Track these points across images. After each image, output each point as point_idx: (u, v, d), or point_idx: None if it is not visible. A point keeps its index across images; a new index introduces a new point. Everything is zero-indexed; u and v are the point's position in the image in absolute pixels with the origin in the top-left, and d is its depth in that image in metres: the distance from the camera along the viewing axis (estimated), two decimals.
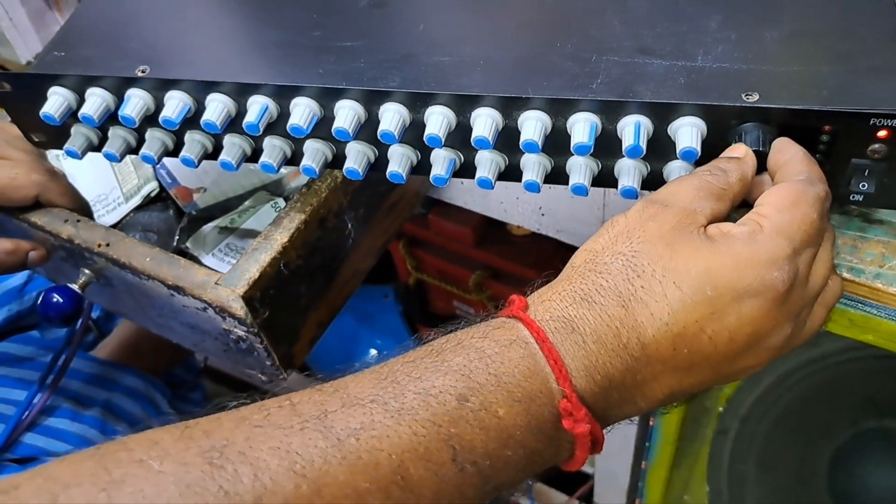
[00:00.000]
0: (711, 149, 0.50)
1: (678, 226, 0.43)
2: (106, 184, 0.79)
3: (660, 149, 0.51)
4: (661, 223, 0.43)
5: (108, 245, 0.63)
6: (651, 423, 0.84)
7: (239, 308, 0.58)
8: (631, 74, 0.50)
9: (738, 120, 0.48)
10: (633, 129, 0.49)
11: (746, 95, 0.48)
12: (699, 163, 0.49)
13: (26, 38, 0.89)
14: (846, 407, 0.87)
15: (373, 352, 1.74)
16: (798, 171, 0.46)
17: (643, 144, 0.48)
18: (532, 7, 0.58)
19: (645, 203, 0.45)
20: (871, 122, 0.46)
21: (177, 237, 0.73)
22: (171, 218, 0.77)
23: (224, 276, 0.59)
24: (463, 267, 1.20)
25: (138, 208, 0.78)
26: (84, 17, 0.63)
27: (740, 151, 0.48)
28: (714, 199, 0.45)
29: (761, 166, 0.48)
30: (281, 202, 0.75)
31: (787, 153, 0.47)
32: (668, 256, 0.42)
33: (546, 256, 1.14)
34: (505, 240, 1.15)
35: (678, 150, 0.48)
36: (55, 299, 0.66)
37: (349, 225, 0.68)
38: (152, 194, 0.78)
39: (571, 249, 0.46)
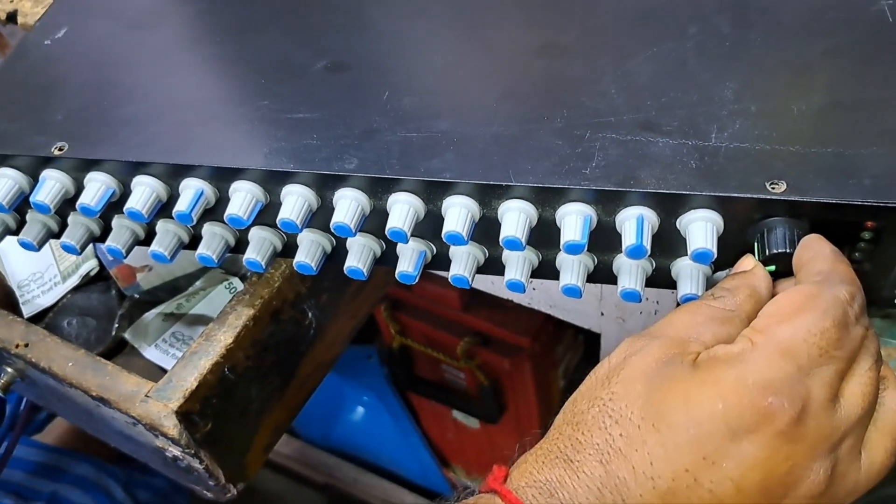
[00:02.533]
0: (730, 248, 0.41)
1: (662, 358, 0.36)
2: (42, 261, 0.70)
3: (667, 243, 0.43)
4: (644, 357, 0.36)
5: (26, 345, 0.55)
6: None
7: (172, 427, 0.49)
8: (632, 156, 0.42)
9: (761, 214, 0.40)
10: (634, 224, 0.40)
11: (771, 185, 0.39)
12: (716, 263, 0.40)
13: None
14: None
15: (360, 409, 1.65)
16: (817, 272, 0.38)
17: (647, 244, 0.40)
18: (517, 72, 0.49)
19: (635, 337, 0.39)
20: None
21: (115, 325, 0.65)
22: (113, 300, 0.68)
23: (156, 386, 0.50)
24: (450, 332, 1.11)
25: (77, 289, 0.69)
26: (3, 82, 0.54)
27: (748, 264, 0.40)
28: (717, 323, 0.37)
29: (789, 269, 0.40)
30: (237, 283, 0.67)
31: (811, 250, 0.39)
32: (647, 395, 0.35)
33: (538, 323, 1.05)
34: (494, 304, 1.06)
35: (689, 250, 0.40)
36: None
37: (309, 314, 0.59)
38: (92, 273, 0.69)
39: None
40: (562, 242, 0.41)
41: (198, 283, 0.67)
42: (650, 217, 0.41)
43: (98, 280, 0.70)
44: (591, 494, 0.34)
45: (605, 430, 0.35)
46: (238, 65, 0.53)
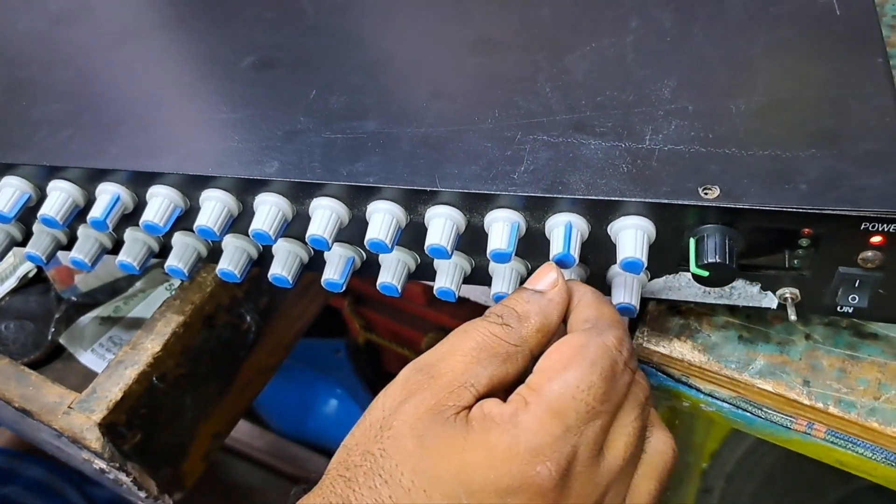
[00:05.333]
0: (663, 255, 0.40)
1: (434, 410, 0.35)
2: None
3: (600, 250, 0.41)
4: (416, 406, 0.35)
5: None
6: None
7: (94, 440, 0.47)
8: (562, 159, 0.40)
9: (694, 220, 0.38)
10: (562, 232, 0.38)
11: (704, 190, 0.38)
12: (651, 270, 0.39)
13: None
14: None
15: (332, 402, 1.64)
16: (584, 319, 0.38)
17: (575, 253, 0.38)
18: (449, 69, 0.47)
19: (410, 370, 0.37)
20: (863, 226, 0.36)
21: (52, 329, 0.62)
22: (52, 302, 0.66)
23: (79, 398, 0.48)
24: (414, 328, 1.09)
25: (14, 291, 0.67)
26: None
27: (547, 282, 0.39)
28: (498, 361, 0.36)
29: (724, 278, 0.38)
30: (177, 283, 0.64)
31: (575, 295, 0.39)
32: (419, 455, 0.34)
33: None
34: (459, 299, 1.04)
35: (619, 259, 0.38)
36: None
37: (248, 319, 0.57)
38: (30, 275, 0.67)
39: None
40: (488, 251, 0.39)
41: (137, 285, 0.64)
42: (579, 224, 0.39)
43: (37, 282, 0.67)
44: None
45: (376, 490, 0.34)
46: (161, 62, 0.50)
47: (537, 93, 0.44)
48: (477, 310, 1.04)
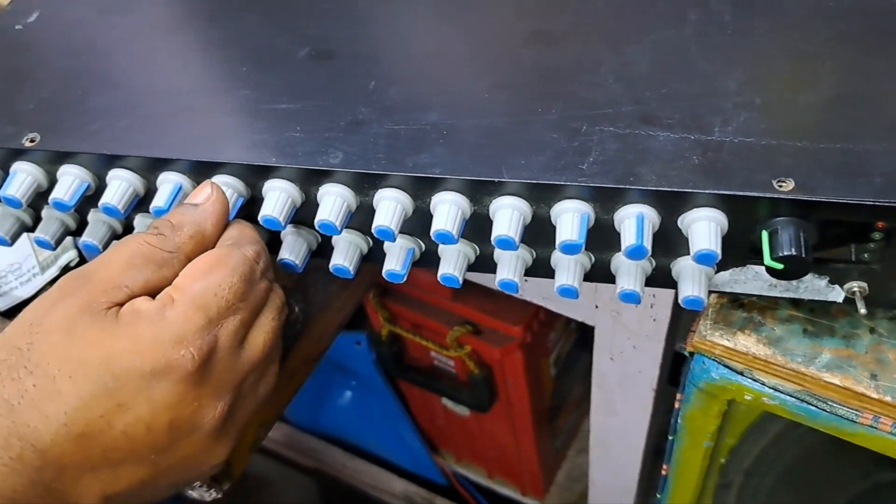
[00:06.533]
0: (731, 248, 0.39)
1: (86, 307, 0.37)
2: (20, 252, 0.68)
3: (668, 242, 0.41)
4: (69, 305, 0.38)
5: None
6: (664, 471, 0.75)
7: None
8: (631, 151, 0.40)
9: (766, 213, 0.38)
10: (634, 223, 0.38)
11: (779, 183, 0.37)
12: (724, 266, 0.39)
13: None
14: (859, 459, 0.77)
15: (349, 394, 1.64)
16: (228, 237, 0.42)
17: (648, 244, 0.38)
18: (507, 61, 0.47)
19: (68, 277, 0.40)
20: None
21: None
22: None
23: None
24: (439, 321, 1.09)
25: (56, 280, 0.67)
26: None
27: (202, 196, 0.42)
28: (153, 267, 0.40)
29: (798, 270, 0.38)
30: None
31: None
32: (66, 344, 0.37)
33: (531, 312, 1.03)
34: (485, 292, 1.04)
35: (692, 251, 0.38)
36: None
37: (296, 309, 0.57)
38: (72, 264, 0.67)
39: None
40: (558, 242, 0.39)
41: None
42: (650, 215, 0.39)
43: None
44: None
45: (19, 381, 0.36)
46: (217, 52, 0.50)
47: (600, 84, 0.44)
48: (507, 301, 1.04)
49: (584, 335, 1.31)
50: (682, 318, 0.76)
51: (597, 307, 0.74)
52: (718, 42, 0.46)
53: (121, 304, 0.38)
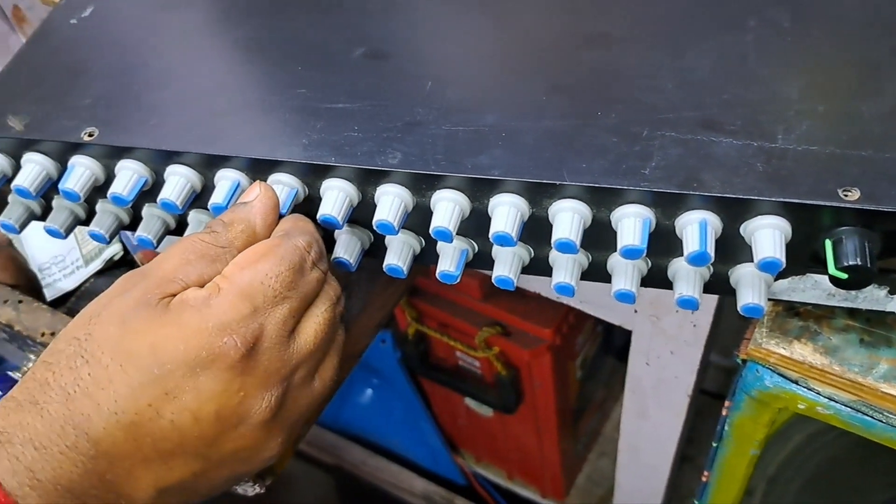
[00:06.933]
0: (792, 256, 0.39)
1: (141, 300, 0.38)
2: (64, 244, 0.68)
3: (728, 249, 0.41)
4: (125, 299, 0.38)
5: (52, 334, 0.53)
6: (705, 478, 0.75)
7: None
8: (694, 156, 0.40)
9: (831, 222, 0.38)
10: (697, 230, 0.38)
11: (844, 192, 0.37)
12: (783, 275, 0.38)
13: None
14: (883, 467, 0.79)
15: (370, 392, 1.64)
16: (281, 230, 0.42)
17: (711, 251, 0.38)
18: (564, 64, 0.47)
19: (129, 273, 0.40)
20: None
21: None
22: None
23: None
24: (468, 321, 1.10)
25: (99, 273, 0.67)
26: (26, 63, 0.52)
27: (252, 195, 0.42)
28: (207, 261, 0.40)
29: (864, 279, 0.37)
30: None
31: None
32: (119, 336, 0.37)
33: (560, 314, 1.03)
34: (515, 293, 1.04)
35: (756, 258, 0.38)
36: None
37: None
38: (115, 258, 0.67)
39: None
40: (619, 246, 0.39)
41: None
42: (713, 222, 0.39)
43: (122, 264, 0.68)
44: (52, 434, 0.36)
45: (76, 370, 0.37)
46: (272, 49, 0.50)
47: (659, 89, 0.44)
48: (536, 303, 1.04)
49: (608, 337, 1.30)
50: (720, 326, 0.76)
51: (636, 312, 0.74)
52: (777, 48, 0.46)
53: (174, 296, 0.39)
